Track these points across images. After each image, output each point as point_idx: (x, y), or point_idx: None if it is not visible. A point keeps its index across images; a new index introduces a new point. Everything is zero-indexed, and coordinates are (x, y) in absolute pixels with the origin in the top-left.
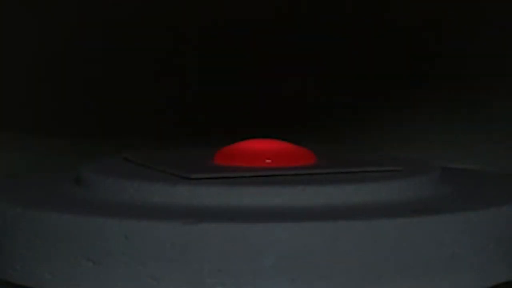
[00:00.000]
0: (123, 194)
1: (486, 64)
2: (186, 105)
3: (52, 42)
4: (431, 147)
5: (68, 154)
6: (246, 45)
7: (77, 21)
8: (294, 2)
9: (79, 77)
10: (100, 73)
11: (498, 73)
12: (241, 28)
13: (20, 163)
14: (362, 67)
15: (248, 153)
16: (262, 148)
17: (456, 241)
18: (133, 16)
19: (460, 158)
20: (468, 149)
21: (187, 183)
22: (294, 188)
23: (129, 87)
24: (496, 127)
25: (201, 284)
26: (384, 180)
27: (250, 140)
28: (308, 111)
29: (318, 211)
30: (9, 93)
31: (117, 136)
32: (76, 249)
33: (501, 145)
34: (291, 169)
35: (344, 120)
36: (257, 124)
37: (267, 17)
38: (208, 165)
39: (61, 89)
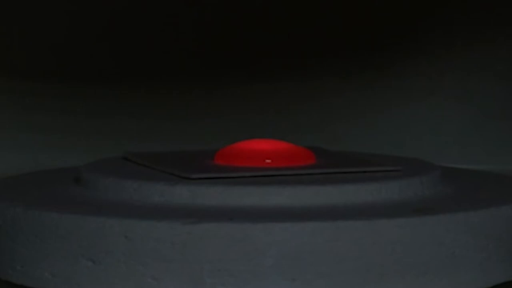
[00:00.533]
0: (123, 194)
1: (485, 64)
2: (185, 105)
3: (50, 44)
4: (431, 148)
5: (68, 154)
6: (245, 45)
7: (76, 21)
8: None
9: (79, 78)
10: (100, 73)
11: (499, 73)
12: (241, 28)
13: (20, 163)
14: (361, 67)
15: (248, 153)
16: (262, 148)
17: (456, 241)
18: (133, 17)
19: (460, 158)
20: (468, 149)
21: (187, 183)
22: (294, 188)
23: (129, 88)
24: (496, 127)
25: (201, 284)
26: (384, 180)
27: (250, 140)
28: (307, 112)
29: (318, 211)
30: (9, 93)
31: (117, 136)
32: (76, 248)
33: (501, 145)
34: (291, 169)
35: (343, 120)
36: (257, 124)
37: (266, 19)
38: (208, 165)
39: (61, 89)
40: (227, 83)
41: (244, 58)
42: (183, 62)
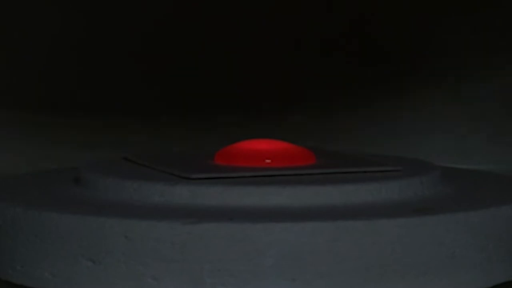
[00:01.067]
0: (123, 194)
1: (485, 64)
2: (185, 106)
3: (50, 45)
4: (431, 148)
5: (69, 154)
6: (244, 45)
7: (75, 25)
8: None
9: (80, 79)
10: (102, 74)
11: (499, 74)
12: (241, 28)
13: (20, 163)
14: (361, 67)
15: (248, 153)
16: (262, 148)
17: (456, 241)
18: (132, 17)
19: (460, 158)
20: (468, 149)
21: (187, 183)
22: (294, 188)
23: (131, 89)
24: (496, 127)
25: (201, 284)
26: (384, 180)
27: (250, 140)
28: (307, 112)
29: (318, 211)
30: (9, 94)
31: (117, 136)
32: (76, 248)
33: (501, 146)
34: (291, 169)
35: (344, 121)
36: (257, 124)
37: (267, 19)
38: (208, 165)
39: (61, 91)
40: (227, 83)
41: (244, 57)
42: (183, 62)
